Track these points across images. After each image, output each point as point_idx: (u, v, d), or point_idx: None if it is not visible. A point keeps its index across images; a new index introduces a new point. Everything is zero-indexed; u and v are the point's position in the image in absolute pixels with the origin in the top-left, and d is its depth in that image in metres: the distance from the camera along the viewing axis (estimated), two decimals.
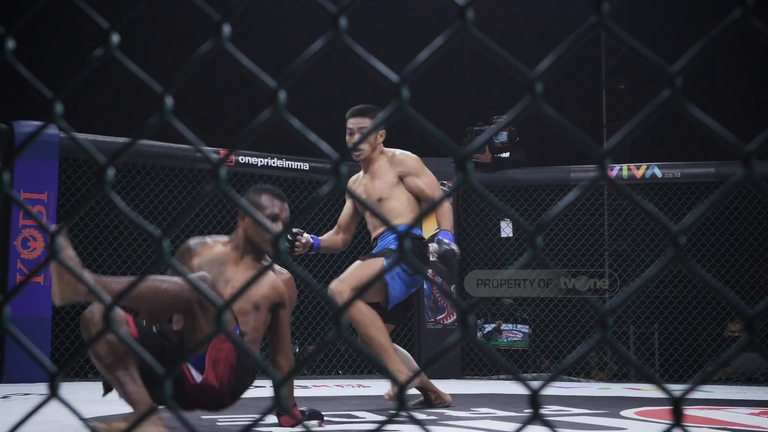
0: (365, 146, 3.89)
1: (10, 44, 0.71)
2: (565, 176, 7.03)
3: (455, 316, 6.82)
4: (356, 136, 3.90)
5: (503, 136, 6.79)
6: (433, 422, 3.46)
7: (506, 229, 6.93)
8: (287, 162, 6.84)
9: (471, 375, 6.88)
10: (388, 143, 4.11)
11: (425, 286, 6.63)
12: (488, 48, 0.62)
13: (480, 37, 0.63)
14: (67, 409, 0.70)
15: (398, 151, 4.01)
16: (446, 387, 4.34)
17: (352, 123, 3.95)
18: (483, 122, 6.98)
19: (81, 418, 0.73)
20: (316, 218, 6.65)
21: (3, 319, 0.63)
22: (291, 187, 6.70)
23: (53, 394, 0.68)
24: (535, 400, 0.66)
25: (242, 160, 6.64)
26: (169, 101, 0.68)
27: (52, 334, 6.07)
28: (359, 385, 5.88)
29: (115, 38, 0.69)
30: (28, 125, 6.01)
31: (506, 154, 6.99)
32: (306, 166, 6.87)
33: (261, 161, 6.75)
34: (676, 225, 0.67)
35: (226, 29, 0.68)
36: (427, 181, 3.95)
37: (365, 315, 3.67)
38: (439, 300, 6.79)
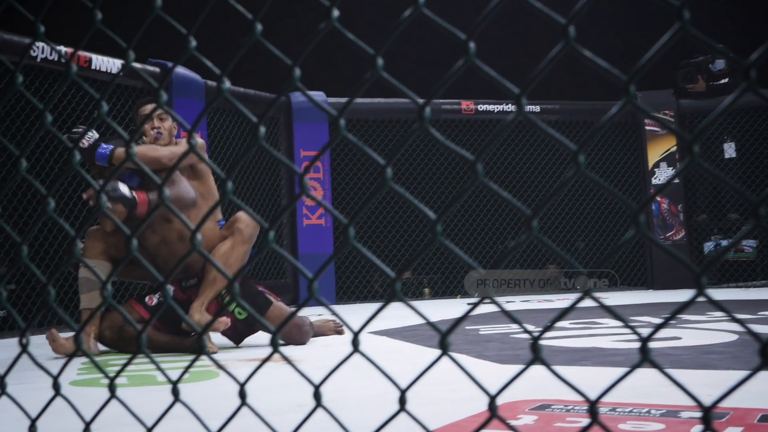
0: (166, 132, 3.92)
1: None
2: None
3: (683, 233, 7.43)
4: (156, 122, 3.89)
5: (721, 64, 7.19)
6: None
7: (729, 150, 7.37)
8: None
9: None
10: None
11: (653, 207, 7.30)
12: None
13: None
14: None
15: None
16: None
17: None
18: (701, 54, 7.40)
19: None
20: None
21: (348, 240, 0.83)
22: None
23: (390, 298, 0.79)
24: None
25: (481, 108, 7.62)
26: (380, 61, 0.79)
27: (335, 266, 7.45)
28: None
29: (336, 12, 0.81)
30: (301, 96, 7.36)
31: (725, 80, 7.35)
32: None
33: (497, 107, 7.67)
34: None
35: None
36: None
37: None
38: (666, 218, 7.42)
